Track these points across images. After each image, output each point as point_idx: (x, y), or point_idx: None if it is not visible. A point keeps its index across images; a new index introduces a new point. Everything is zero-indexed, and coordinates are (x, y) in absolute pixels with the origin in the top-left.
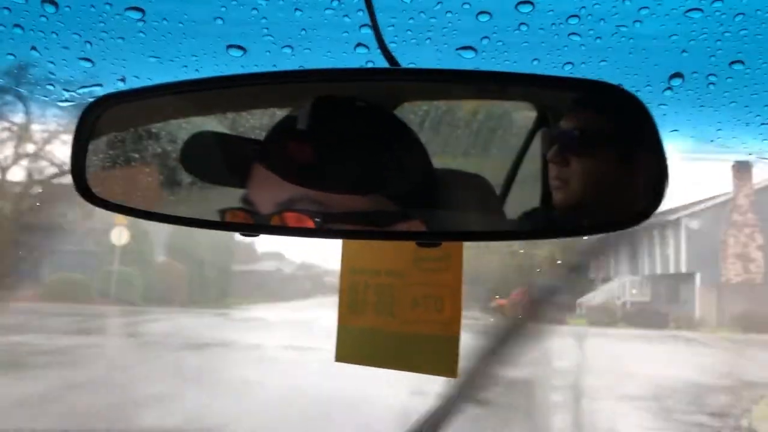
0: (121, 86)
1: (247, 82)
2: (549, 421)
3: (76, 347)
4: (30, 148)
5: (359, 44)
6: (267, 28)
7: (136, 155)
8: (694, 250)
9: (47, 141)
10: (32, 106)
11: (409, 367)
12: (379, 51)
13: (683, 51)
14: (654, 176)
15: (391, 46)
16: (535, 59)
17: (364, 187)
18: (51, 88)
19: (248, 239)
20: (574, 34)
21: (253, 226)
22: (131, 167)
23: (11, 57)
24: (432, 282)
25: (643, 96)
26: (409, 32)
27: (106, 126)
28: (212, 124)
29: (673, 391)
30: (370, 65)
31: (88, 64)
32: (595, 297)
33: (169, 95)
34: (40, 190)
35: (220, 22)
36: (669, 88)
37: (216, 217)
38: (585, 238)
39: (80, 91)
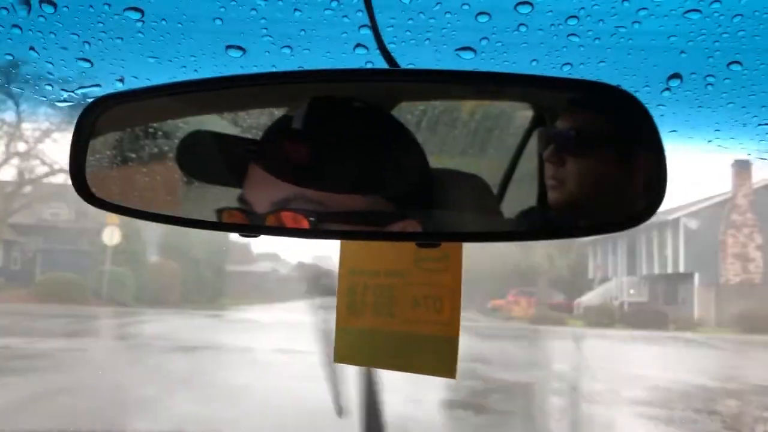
0: (120, 86)
1: (246, 82)
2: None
3: (61, 351)
4: (21, 147)
5: (358, 45)
6: (266, 29)
7: (135, 156)
8: (693, 249)
9: (39, 140)
10: (23, 104)
11: (407, 367)
12: (378, 51)
13: (682, 52)
14: (653, 177)
15: (390, 47)
16: (534, 60)
17: (361, 187)
18: (49, 88)
19: (244, 240)
20: (572, 34)
21: (250, 227)
22: (130, 168)
23: (9, 57)
24: (432, 282)
25: (642, 97)
26: (408, 33)
27: (105, 126)
28: (211, 124)
29: (681, 396)
30: (369, 66)
31: (86, 65)
32: (593, 297)
33: (168, 96)
34: (31, 189)
35: (219, 22)
36: (667, 89)
37: (213, 218)
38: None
39: (79, 91)
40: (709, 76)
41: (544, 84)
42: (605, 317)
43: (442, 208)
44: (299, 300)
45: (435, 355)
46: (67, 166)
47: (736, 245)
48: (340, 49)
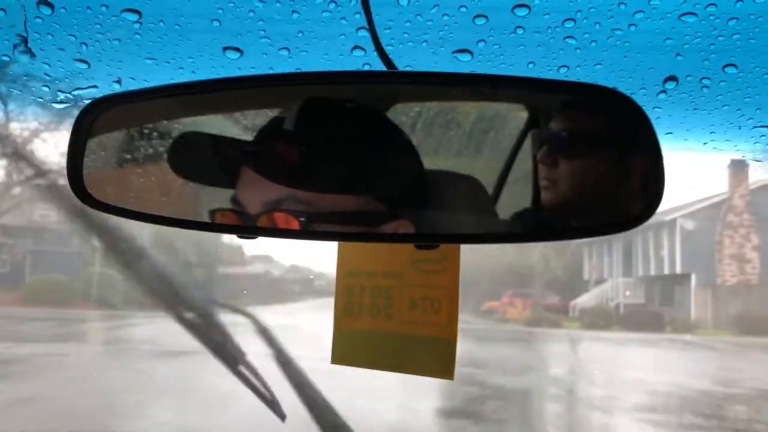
0: (117, 88)
1: (243, 84)
2: None
3: (41, 355)
4: (9, 147)
5: (356, 47)
6: (264, 30)
7: (132, 157)
8: (689, 250)
9: (28, 140)
10: (11, 104)
11: (405, 369)
12: (376, 53)
13: (677, 54)
14: (651, 178)
15: (387, 49)
16: (530, 62)
17: (351, 187)
18: (46, 89)
19: (237, 242)
20: (569, 37)
21: (243, 228)
22: (127, 169)
23: (6, 58)
24: (430, 283)
25: (638, 99)
26: (405, 35)
27: (102, 128)
28: (206, 125)
29: (685, 402)
30: (366, 68)
31: (83, 66)
32: (589, 299)
33: (165, 97)
34: (20, 190)
35: (216, 24)
36: (663, 92)
37: (207, 219)
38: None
39: (75, 92)
40: (704, 78)
41: (541, 86)
42: (601, 319)
43: (436, 209)
44: (292, 302)
45: (433, 356)
46: (57, 167)
47: (732, 246)
48: (338, 50)
